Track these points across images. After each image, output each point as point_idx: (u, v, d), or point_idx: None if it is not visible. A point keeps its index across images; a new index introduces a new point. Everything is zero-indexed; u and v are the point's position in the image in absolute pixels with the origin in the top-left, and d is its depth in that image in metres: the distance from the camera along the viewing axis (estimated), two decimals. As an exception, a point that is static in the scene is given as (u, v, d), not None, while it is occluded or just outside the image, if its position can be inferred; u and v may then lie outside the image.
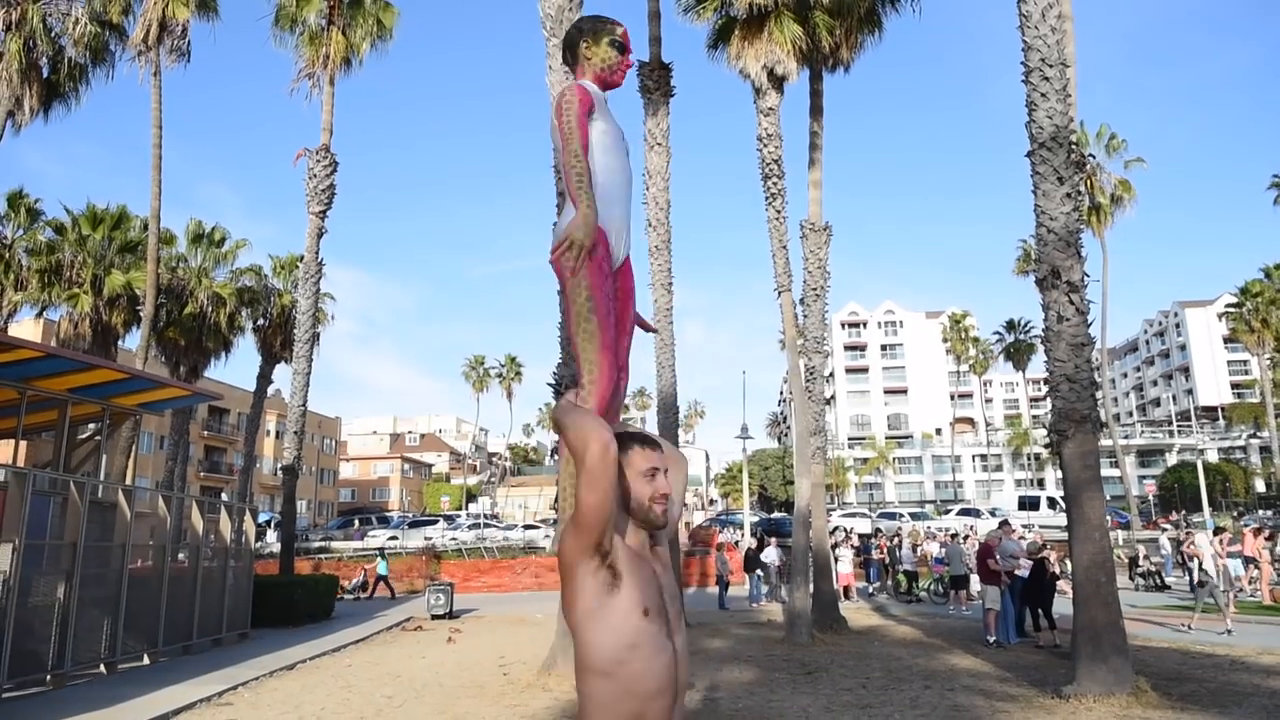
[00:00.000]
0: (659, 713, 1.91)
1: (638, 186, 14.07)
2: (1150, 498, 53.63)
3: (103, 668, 11.81)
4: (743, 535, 31.50)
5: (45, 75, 23.07)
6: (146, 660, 13.01)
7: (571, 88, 2.56)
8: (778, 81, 16.75)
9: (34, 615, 10.40)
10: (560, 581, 2.07)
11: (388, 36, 23.90)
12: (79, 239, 28.66)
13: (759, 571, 22.33)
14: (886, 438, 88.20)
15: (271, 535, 39.31)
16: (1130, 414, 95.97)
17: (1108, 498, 11.13)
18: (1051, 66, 10.55)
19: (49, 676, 10.62)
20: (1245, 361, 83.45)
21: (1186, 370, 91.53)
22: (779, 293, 16.28)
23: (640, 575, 2.01)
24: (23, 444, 16.21)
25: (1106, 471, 13.76)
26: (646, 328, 2.80)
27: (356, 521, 52.73)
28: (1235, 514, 49.55)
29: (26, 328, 36.54)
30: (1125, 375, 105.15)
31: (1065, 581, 15.12)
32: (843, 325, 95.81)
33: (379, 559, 27.77)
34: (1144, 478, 61.69)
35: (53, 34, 22.84)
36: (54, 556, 11.13)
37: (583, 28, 2.76)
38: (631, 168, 2.72)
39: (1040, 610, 14.03)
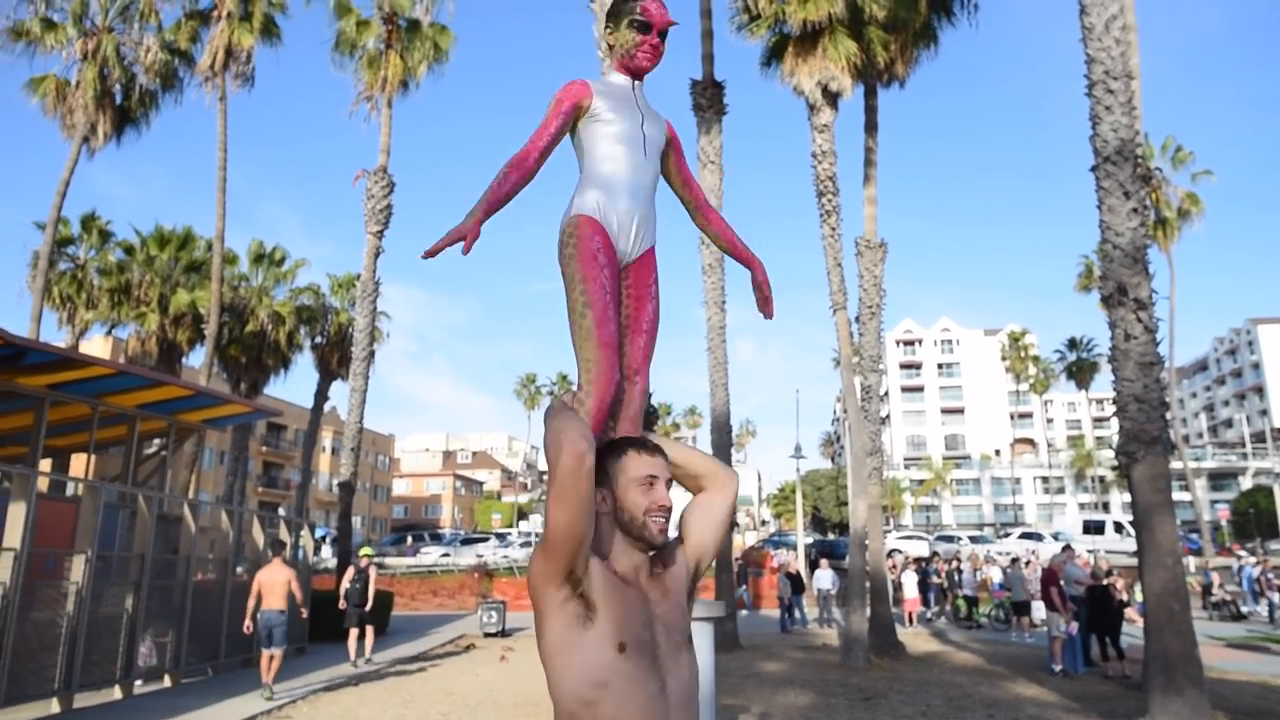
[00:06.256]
0: None
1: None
2: (1223, 523, 51.56)
3: (167, 679, 12.06)
4: (796, 557, 30.99)
5: (118, 102, 24.03)
6: (210, 673, 13.27)
7: (565, 86, 2.40)
8: (832, 98, 16.67)
9: (104, 625, 10.67)
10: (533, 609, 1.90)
11: (444, 59, 24.32)
12: (147, 259, 29.69)
13: (801, 595, 22.08)
14: (944, 458, 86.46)
15: (327, 550, 39.93)
16: (1200, 435, 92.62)
17: (1178, 523, 10.69)
18: (1116, 79, 10.29)
19: (117, 686, 10.87)
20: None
21: (1260, 390, 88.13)
22: (834, 310, 16.11)
23: (621, 605, 1.84)
24: (92, 458, 16.74)
25: (1176, 495, 13.24)
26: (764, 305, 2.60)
27: (410, 538, 53.29)
28: (1315, 541, 47.37)
29: (96, 345, 37.85)
30: (1194, 395, 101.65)
31: (1133, 610, 14.59)
32: (898, 343, 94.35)
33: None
34: (1216, 502, 59.40)
35: (125, 61, 23.81)
36: (122, 568, 11.43)
37: (609, 13, 2.54)
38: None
39: (1108, 639, 13.54)
